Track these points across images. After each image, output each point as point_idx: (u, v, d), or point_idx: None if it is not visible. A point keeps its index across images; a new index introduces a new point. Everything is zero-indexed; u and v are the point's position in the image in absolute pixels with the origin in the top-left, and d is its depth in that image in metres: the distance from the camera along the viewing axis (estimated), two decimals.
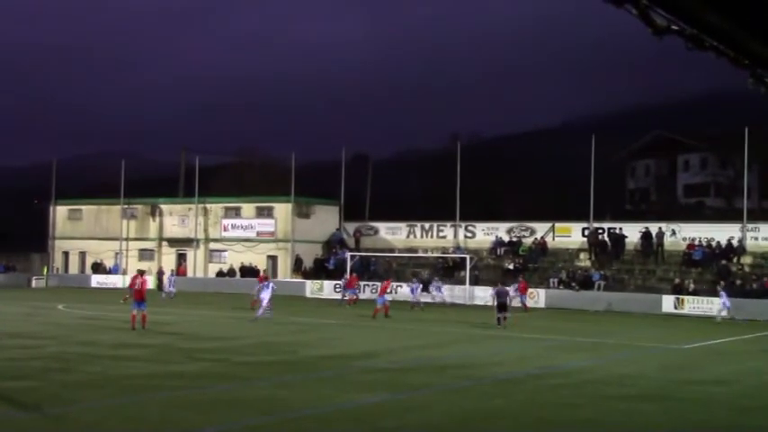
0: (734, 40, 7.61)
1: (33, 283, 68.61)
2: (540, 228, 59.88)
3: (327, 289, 57.51)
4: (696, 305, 47.59)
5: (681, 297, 48.54)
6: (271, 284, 39.16)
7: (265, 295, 37.38)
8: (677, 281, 50.32)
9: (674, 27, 7.14)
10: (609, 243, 56.22)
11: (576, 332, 34.87)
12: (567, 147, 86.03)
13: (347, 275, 53.53)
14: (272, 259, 65.94)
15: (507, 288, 39.13)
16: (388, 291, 44.31)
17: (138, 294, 32.53)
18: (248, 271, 63.20)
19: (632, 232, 56.10)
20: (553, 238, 59.22)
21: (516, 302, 44.57)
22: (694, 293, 48.67)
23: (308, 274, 62.26)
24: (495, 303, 36.60)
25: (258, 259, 65.38)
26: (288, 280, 61.64)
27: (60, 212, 76.34)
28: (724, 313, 42.54)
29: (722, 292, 43.47)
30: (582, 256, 56.89)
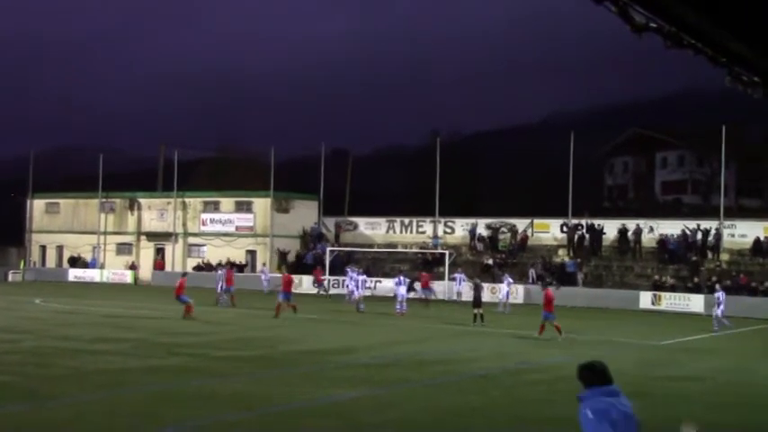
0: (712, 38, 7.68)
1: (10, 277, 68.15)
2: (520, 224, 60.07)
3: (306, 284, 57.40)
4: (673, 301, 47.90)
5: (658, 294, 48.84)
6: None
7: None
8: (656, 277, 50.65)
9: (653, 25, 7.19)
10: (587, 239, 56.49)
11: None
12: (547, 143, 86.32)
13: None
14: (251, 254, 65.81)
15: (483, 284, 39.10)
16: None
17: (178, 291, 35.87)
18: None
19: (610, 229, 56.37)
20: (532, 234, 59.45)
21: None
22: (672, 289, 48.99)
23: (290, 269, 62.14)
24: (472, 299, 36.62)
25: (237, 254, 65.23)
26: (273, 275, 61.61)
27: (37, 206, 75.82)
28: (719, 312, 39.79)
29: (719, 293, 39.84)
30: (561, 252, 57.14)
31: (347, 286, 48.15)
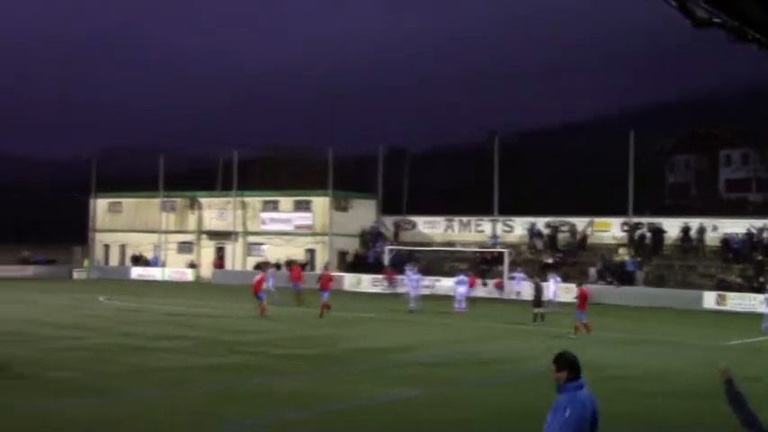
0: None
1: (75, 276, 69.41)
2: (579, 222, 59.52)
3: (366, 283, 57.57)
4: (739, 301, 46.98)
5: (723, 293, 47.98)
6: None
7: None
8: (720, 277, 49.77)
9: (716, 20, 7.04)
10: (648, 238, 55.75)
11: (614, 328, 34.56)
12: (606, 141, 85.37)
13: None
14: (310, 252, 66.15)
15: (542, 283, 38.66)
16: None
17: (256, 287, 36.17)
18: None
19: (672, 227, 55.59)
20: (592, 233, 58.85)
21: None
22: (738, 289, 48.03)
23: (348, 268, 62.39)
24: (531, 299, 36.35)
25: (296, 252, 65.63)
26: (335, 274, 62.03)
27: (101, 205, 77.12)
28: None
29: None
30: (621, 251, 56.44)
31: (405, 285, 47.96)
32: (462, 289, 40.86)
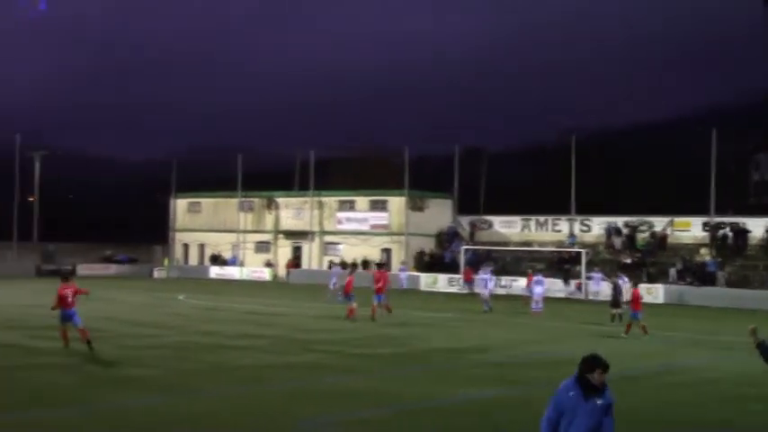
0: None
1: (155, 274, 70.63)
2: (659, 222, 58.44)
3: (441, 282, 57.43)
4: None
5: None
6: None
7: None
8: None
9: None
10: (730, 238, 54.48)
11: (696, 329, 33.86)
12: (687, 139, 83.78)
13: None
14: (387, 252, 66.24)
15: (621, 282, 37.85)
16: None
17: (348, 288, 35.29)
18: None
19: (757, 227, 54.23)
20: (672, 233, 57.72)
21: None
22: None
23: (424, 268, 62.30)
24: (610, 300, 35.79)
25: (372, 252, 65.79)
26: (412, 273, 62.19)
27: (180, 205, 78.35)
28: None
29: None
30: (702, 251, 55.24)
31: (481, 285, 47.39)
32: (539, 289, 40.41)
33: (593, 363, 8.05)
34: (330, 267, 54.07)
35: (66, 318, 22.57)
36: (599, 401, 8.07)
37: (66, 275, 26.55)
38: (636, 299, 29.95)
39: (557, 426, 8.14)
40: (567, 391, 8.07)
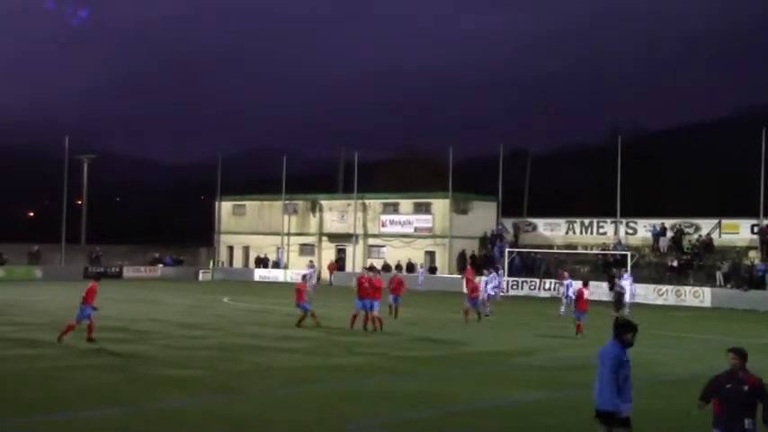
0: None
1: (200, 276, 71.18)
2: (706, 224, 57.68)
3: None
4: None
5: None
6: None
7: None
8: None
9: None
10: None
11: (743, 333, 33.37)
12: (735, 140, 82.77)
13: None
14: (430, 255, 66.16)
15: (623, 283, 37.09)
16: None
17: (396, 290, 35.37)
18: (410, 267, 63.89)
19: None
20: (719, 235, 56.93)
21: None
22: None
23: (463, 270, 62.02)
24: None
25: (416, 254, 65.74)
26: (446, 276, 62.08)
27: (225, 208, 78.90)
28: None
29: None
30: (751, 254, 54.47)
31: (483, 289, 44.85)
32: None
33: (627, 326, 10.86)
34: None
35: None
36: (628, 355, 10.69)
37: (98, 275, 31.75)
38: (580, 297, 30.15)
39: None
40: (619, 350, 10.58)
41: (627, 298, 40.86)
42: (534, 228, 65.32)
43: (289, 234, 73.47)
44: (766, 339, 31.44)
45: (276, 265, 72.09)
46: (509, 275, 57.08)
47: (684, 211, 60.90)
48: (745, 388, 10.22)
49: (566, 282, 39.94)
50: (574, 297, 37.79)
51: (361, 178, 71.29)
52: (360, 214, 69.99)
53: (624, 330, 10.73)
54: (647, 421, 15.25)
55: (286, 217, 73.52)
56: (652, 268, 55.70)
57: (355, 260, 69.09)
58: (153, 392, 16.75)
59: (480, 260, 62.62)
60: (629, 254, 54.66)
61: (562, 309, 38.71)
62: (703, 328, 35.02)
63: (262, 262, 72.97)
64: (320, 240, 72.46)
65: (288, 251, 73.21)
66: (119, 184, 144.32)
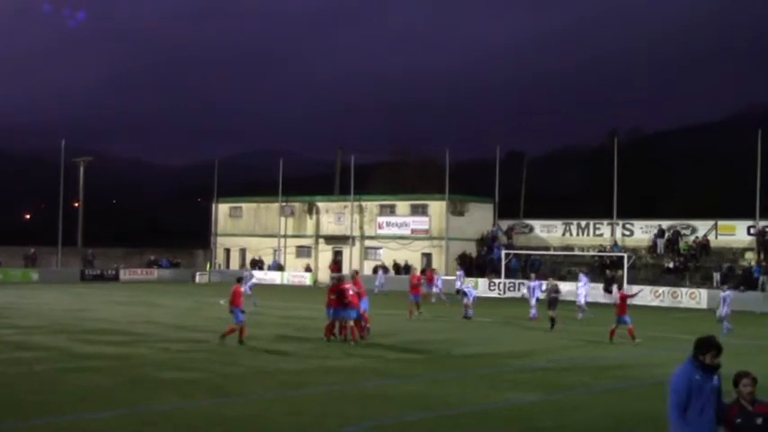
0: None
1: (197, 279, 71.12)
2: (702, 225, 57.75)
3: (482, 287, 57.20)
4: None
5: None
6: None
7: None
8: None
9: None
10: None
11: (740, 335, 33.38)
12: (731, 141, 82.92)
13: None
14: (427, 257, 66.18)
15: (556, 282, 36.56)
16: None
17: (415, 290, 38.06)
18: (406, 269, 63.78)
19: None
20: (716, 237, 56.98)
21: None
22: None
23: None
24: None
25: (413, 257, 65.76)
26: (444, 277, 61.96)
27: (222, 210, 78.86)
28: None
29: None
30: (748, 255, 54.54)
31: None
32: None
33: (708, 345, 8.60)
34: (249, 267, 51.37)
35: None
36: (715, 380, 8.63)
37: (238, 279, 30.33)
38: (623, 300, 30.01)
39: (686, 409, 8.60)
40: (692, 374, 8.57)
41: (581, 300, 40.42)
42: (531, 229, 65.37)
43: (285, 236, 73.46)
44: (763, 341, 31.52)
45: (281, 267, 71.84)
46: (506, 277, 57.12)
47: (681, 212, 60.97)
48: (759, 421, 8.56)
49: (532, 284, 39.07)
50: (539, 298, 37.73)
51: (358, 180, 71.30)
52: (356, 216, 70.01)
53: (700, 349, 8.69)
54: (647, 423, 15.31)
55: (283, 219, 73.52)
56: (648, 270, 55.74)
57: (352, 262, 69.10)
58: (150, 395, 16.76)
59: (476, 262, 62.76)
60: (625, 255, 54.73)
61: (533, 311, 37.71)
62: (700, 330, 35.02)
63: (258, 264, 72.86)
64: (317, 242, 72.46)
65: (284, 253, 73.19)
66: (115, 186, 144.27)
